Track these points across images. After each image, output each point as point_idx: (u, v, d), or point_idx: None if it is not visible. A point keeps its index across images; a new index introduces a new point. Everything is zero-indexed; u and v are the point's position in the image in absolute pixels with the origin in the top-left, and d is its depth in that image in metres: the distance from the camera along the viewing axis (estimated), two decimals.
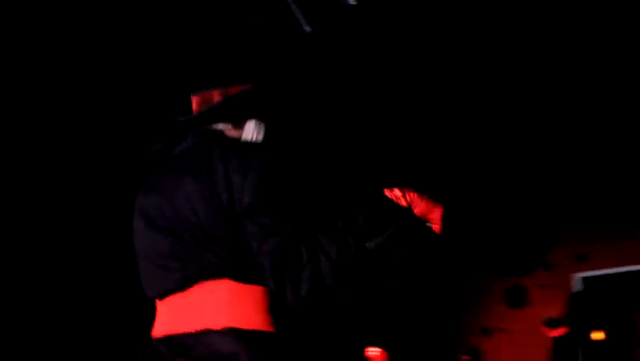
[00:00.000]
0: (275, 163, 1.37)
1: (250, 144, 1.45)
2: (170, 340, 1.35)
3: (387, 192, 1.44)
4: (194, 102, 1.57)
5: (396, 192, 1.43)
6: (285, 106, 1.60)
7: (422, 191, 1.47)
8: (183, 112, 1.58)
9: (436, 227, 1.45)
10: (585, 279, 6.97)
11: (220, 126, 1.50)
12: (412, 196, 1.43)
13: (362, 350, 6.83)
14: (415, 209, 1.42)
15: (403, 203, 1.41)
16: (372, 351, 7.14)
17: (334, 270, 1.25)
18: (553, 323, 6.76)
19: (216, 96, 1.51)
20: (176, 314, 1.36)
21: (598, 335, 7.13)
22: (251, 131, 1.49)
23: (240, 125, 1.50)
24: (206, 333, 1.30)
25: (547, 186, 7.41)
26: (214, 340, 1.29)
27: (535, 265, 7.62)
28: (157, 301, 1.45)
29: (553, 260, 7.46)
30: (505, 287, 7.88)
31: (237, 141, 1.46)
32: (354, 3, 3.53)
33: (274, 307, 1.35)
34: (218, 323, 1.30)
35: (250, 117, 1.51)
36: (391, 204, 1.40)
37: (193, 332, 1.31)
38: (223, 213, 1.32)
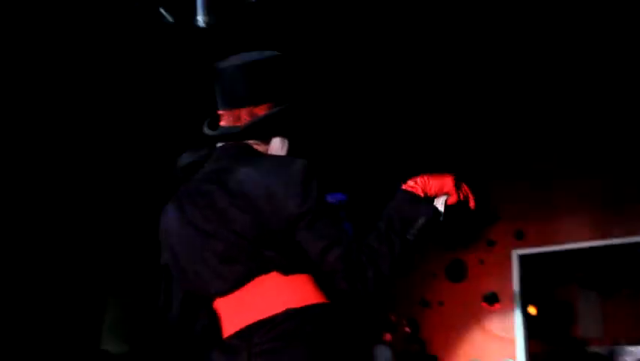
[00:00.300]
0: (311, 172, 1.54)
1: (282, 158, 1.63)
2: (242, 333, 1.50)
3: (404, 186, 1.64)
4: (223, 118, 1.71)
5: (410, 183, 1.64)
6: (305, 122, 1.77)
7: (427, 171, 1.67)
8: (209, 125, 1.75)
9: (453, 197, 1.66)
10: (522, 256, 7.18)
11: (249, 141, 1.68)
12: (423, 181, 1.64)
13: None
14: (429, 192, 1.63)
15: (419, 192, 1.61)
16: None
17: (390, 266, 1.49)
18: (492, 299, 6.97)
19: (244, 114, 1.67)
20: (240, 309, 1.52)
21: (532, 310, 7.43)
22: (277, 146, 1.69)
23: (266, 141, 1.69)
24: (271, 318, 1.47)
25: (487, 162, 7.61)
26: (279, 320, 1.47)
27: (473, 238, 7.81)
28: (216, 300, 1.57)
29: (493, 236, 7.67)
30: (446, 261, 8.07)
31: (270, 157, 1.65)
32: None
33: (320, 286, 1.55)
34: (278, 307, 1.48)
35: (276, 134, 1.69)
36: (412, 196, 1.60)
37: (260, 320, 1.48)
38: (267, 224, 1.49)
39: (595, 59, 5.79)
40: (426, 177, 1.64)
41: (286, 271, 1.51)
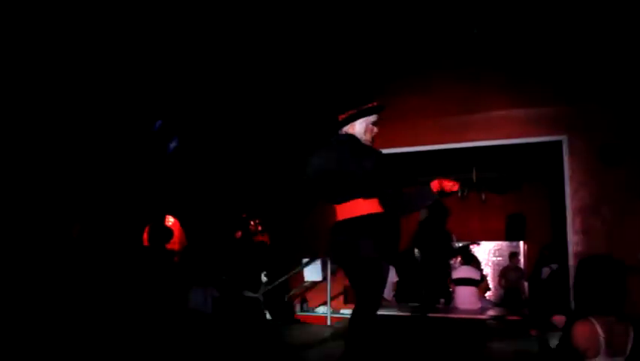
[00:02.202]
0: (380, 155, 3.47)
1: (373, 149, 3.53)
2: (346, 220, 3.39)
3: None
4: (341, 117, 3.61)
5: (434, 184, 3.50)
6: (369, 115, 3.64)
7: None
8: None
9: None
10: None
11: (347, 128, 3.60)
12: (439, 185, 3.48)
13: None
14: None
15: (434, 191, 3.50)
16: (169, 220, 7.17)
17: (399, 209, 3.47)
18: None
19: (346, 114, 3.62)
20: (346, 211, 3.40)
21: None
22: (359, 127, 3.57)
23: (353, 124, 3.58)
24: (357, 216, 3.34)
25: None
26: (364, 218, 3.33)
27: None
28: (337, 205, 3.45)
29: None
30: (299, 161, 8.18)
31: (369, 146, 3.54)
32: None
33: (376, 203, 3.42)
34: (363, 212, 3.35)
35: (356, 120, 3.57)
36: (429, 192, 3.51)
37: (354, 216, 3.36)
38: (363, 173, 3.34)
39: None
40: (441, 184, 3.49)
41: (365, 197, 3.35)
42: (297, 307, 8.17)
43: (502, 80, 7.28)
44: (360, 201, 3.35)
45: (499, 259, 10.34)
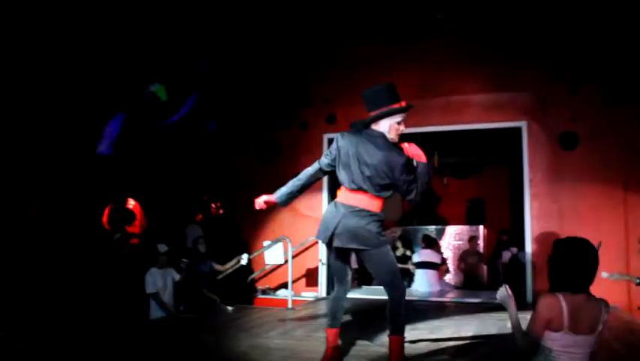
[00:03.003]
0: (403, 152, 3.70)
1: (398, 146, 3.68)
2: (354, 207, 3.67)
3: (424, 160, 3.68)
4: (370, 114, 3.73)
5: (421, 157, 3.68)
6: (387, 116, 3.73)
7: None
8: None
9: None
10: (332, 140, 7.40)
11: (373, 125, 3.73)
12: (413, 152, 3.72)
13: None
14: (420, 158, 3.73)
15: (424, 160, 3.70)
16: (130, 203, 7.05)
17: (420, 192, 3.67)
18: None
19: (373, 113, 3.70)
20: (353, 199, 3.69)
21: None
22: (383, 125, 3.68)
23: (377, 123, 3.71)
24: (363, 209, 3.67)
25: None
26: (366, 210, 3.67)
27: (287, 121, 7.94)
28: (349, 189, 3.71)
29: (307, 119, 7.85)
30: (260, 142, 8.15)
31: (393, 143, 3.71)
32: None
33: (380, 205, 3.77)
34: (366, 207, 3.67)
35: (380, 119, 3.69)
36: (426, 165, 3.67)
37: (359, 207, 3.66)
38: (388, 169, 3.62)
39: None
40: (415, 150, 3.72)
41: (375, 194, 3.66)
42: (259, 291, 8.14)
43: (463, 65, 7.33)
44: (370, 196, 3.65)
45: (459, 242, 10.47)
